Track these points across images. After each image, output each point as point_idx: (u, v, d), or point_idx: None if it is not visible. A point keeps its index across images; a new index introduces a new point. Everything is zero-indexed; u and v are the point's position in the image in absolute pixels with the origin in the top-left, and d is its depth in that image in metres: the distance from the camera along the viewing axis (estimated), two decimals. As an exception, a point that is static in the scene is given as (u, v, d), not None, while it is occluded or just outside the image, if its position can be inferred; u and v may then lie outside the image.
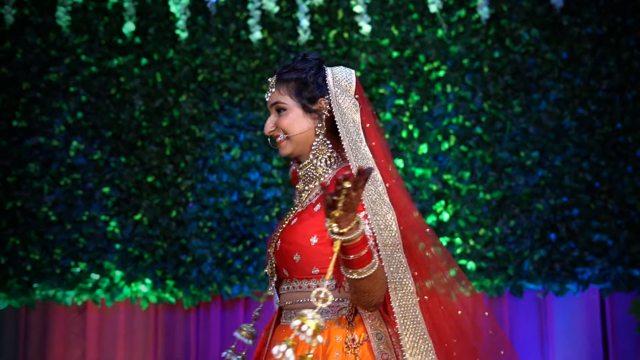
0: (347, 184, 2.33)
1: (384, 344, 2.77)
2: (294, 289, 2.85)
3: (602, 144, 6.42)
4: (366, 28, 6.55)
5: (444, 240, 6.29)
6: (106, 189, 6.42)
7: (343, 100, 2.90)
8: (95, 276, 6.26)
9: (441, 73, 6.58)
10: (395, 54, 6.60)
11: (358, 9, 6.54)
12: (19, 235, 6.27)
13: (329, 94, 2.91)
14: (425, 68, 6.60)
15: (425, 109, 6.54)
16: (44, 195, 6.36)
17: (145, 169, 6.46)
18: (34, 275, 6.24)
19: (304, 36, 6.51)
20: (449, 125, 6.49)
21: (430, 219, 6.30)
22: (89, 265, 6.28)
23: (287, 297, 2.87)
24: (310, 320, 2.30)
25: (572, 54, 6.56)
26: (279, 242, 2.87)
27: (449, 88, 6.56)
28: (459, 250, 6.30)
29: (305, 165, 2.93)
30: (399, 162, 6.41)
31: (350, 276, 2.57)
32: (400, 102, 6.55)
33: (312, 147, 2.91)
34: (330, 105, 2.91)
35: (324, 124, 2.91)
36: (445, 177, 6.44)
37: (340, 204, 2.37)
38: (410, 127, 6.49)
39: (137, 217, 6.40)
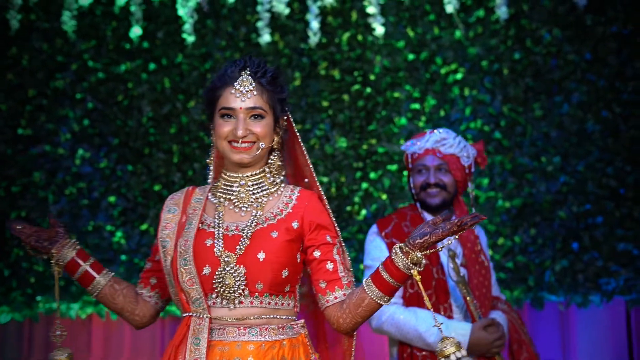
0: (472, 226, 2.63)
1: None
2: (261, 305, 2.78)
3: (628, 149, 6.18)
4: (379, 30, 6.35)
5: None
6: (112, 198, 6.29)
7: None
8: (100, 288, 6.11)
9: (459, 76, 6.37)
10: (411, 56, 6.40)
11: (371, 10, 6.33)
12: (22, 246, 6.13)
13: (287, 112, 2.99)
14: (442, 71, 6.39)
15: (442, 113, 6.34)
16: (49, 205, 6.25)
17: (152, 177, 6.32)
18: (37, 288, 6.13)
19: (314, 38, 6.31)
20: (467, 130, 6.29)
21: (448, 228, 6.10)
22: (95, 277, 6.13)
23: (248, 312, 2.77)
24: (453, 342, 2.57)
25: (595, 55, 6.32)
26: (261, 253, 2.77)
27: (466, 91, 6.35)
28: (477, 260, 6.09)
29: (254, 175, 2.90)
30: (415, 169, 6.20)
31: (385, 303, 2.72)
32: (416, 106, 6.34)
33: (270, 161, 2.92)
34: (288, 124, 2.99)
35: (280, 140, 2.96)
36: (463, 184, 6.22)
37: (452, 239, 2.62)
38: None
39: (144, 227, 6.26)
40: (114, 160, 6.34)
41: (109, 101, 6.41)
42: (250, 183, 2.88)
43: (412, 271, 2.62)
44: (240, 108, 2.82)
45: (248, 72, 2.84)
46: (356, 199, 6.21)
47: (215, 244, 2.78)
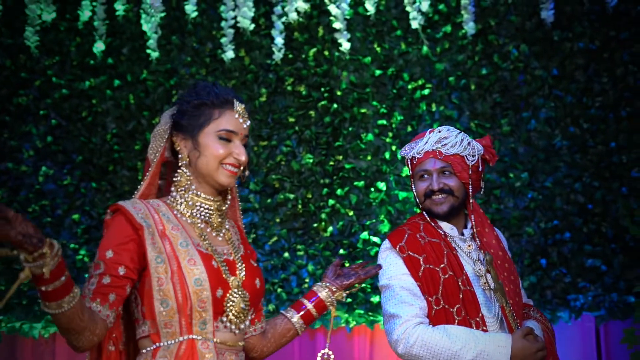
0: None
1: None
2: (245, 328, 2.81)
3: (595, 164, 6.15)
4: (346, 45, 6.29)
5: (428, 267, 6.03)
6: (76, 216, 6.22)
7: None
8: (63, 307, 6.01)
9: (426, 91, 6.34)
10: (377, 72, 6.37)
11: (338, 25, 6.28)
12: (-3, 241, 6.04)
13: None
14: (410, 86, 6.36)
15: (409, 129, 6.31)
16: (12, 223, 6.14)
17: (116, 194, 6.23)
18: (-1, 307, 6.01)
19: (278, 54, 6.26)
20: (434, 146, 6.22)
21: (415, 245, 6.06)
22: (58, 296, 6.03)
23: (241, 337, 2.80)
24: None
25: (563, 70, 6.30)
26: (257, 280, 2.83)
27: (434, 107, 6.32)
28: (445, 277, 6.04)
29: (220, 200, 2.88)
30: (382, 185, 6.16)
31: (302, 332, 2.99)
32: (383, 122, 6.31)
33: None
34: None
35: None
36: (431, 200, 6.18)
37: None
38: (394, 148, 6.25)
39: (108, 245, 6.15)
40: (77, 177, 6.27)
41: (73, 118, 6.34)
42: (217, 207, 2.85)
43: (331, 307, 2.97)
44: (241, 133, 2.81)
45: (238, 99, 2.85)
46: (323, 216, 6.16)
47: (221, 267, 2.73)
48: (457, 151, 3.77)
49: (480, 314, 3.62)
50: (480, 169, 3.84)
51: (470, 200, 3.85)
